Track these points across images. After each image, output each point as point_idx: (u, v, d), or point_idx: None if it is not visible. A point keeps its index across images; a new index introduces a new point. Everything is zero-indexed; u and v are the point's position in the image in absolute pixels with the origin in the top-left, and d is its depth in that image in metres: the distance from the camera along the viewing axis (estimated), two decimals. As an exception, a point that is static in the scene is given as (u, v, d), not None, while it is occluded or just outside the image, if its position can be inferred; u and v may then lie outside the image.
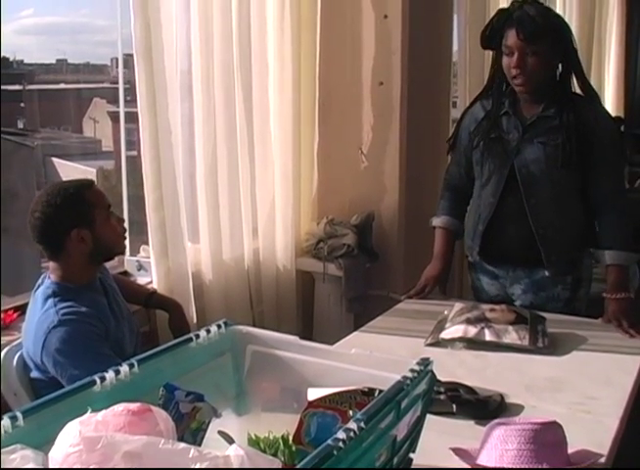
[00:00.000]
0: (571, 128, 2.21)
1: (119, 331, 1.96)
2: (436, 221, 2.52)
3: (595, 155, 2.23)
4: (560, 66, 2.27)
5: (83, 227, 1.87)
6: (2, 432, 0.95)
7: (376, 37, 3.10)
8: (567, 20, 4.47)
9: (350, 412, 1.10)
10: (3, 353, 1.96)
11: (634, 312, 2.21)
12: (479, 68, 3.73)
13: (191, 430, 1.13)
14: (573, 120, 2.21)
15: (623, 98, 6.20)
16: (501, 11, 2.30)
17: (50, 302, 1.86)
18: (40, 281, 1.95)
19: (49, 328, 1.81)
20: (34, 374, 1.90)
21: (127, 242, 2.09)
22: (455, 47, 3.72)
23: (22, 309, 2.16)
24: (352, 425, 0.94)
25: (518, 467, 1.31)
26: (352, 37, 3.14)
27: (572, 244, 2.33)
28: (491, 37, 2.27)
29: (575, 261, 2.35)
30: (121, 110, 2.60)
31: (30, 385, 1.92)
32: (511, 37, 2.19)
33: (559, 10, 4.82)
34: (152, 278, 2.48)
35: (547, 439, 1.34)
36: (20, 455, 0.90)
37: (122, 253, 2.11)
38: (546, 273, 2.32)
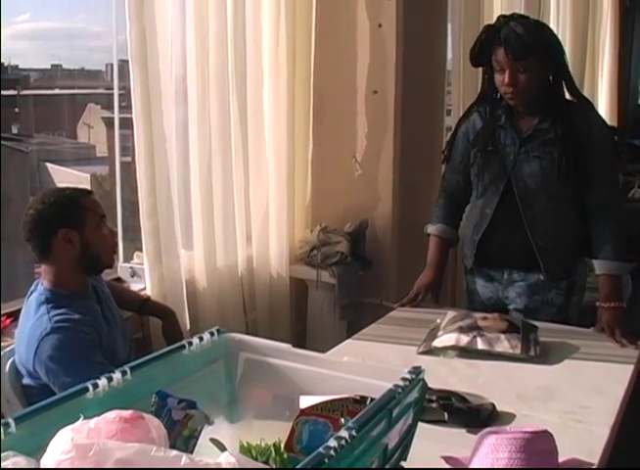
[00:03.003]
0: (567, 141, 2.22)
1: (112, 338, 1.96)
2: (431, 229, 2.53)
3: (590, 163, 2.25)
4: (552, 78, 2.28)
5: (72, 228, 1.86)
6: (-4, 438, 0.95)
7: (370, 46, 3.12)
8: (560, 31, 4.52)
9: (342, 420, 1.11)
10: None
11: (627, 322, 2.22)
12: (473, 76, 3.74)
13: (183, 437, 1.13)
14: (568, 132, 2.22)
15: (617, 108, 6.22)
16: (487, 28, 2.30)
17: (43, 308, 1.85)
18: (33, 287, 1.95)
19: (42, 335, 1.80)
20: (26, 381, 1.89)
21: (119, 254, 2.07)
22: (449, 56, 3.73)
23: (14, 315, 2.15)
24: (344, 433, 0.94)
25: (509, 476, 1.31)
26: (347, 46, 3.15)
27: (570, 253, 2.35)
28: (480, 55, 2.29)
29: (571, 268, 2.37)
30: (116, 115, 2.59)
31: (23, 392, 1.92)
32: (500, 55, 2.21)
33: (552, 22, 4.85)
34: (145, 285, 2.48)
35: (538, 447, 1.34)
36: (12, 462, 0.90)
37: (111, 266, 2.09)
38: (541, 277, 2.33)
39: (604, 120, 2.42)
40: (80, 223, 1.88)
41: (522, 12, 4.05)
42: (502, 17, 2.28)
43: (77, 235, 1.87)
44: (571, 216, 2.33)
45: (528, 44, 2.17)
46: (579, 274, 2.39)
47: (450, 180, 2.53)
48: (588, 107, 2.38)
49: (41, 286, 1.91)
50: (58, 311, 1.84)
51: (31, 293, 1.94)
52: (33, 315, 1.86)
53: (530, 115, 2.30)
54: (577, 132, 2.23)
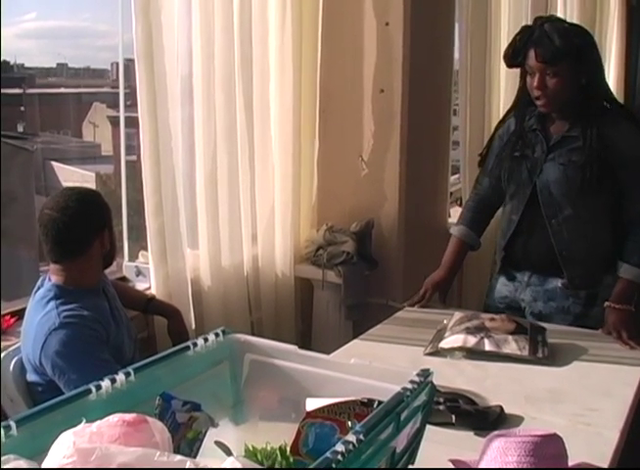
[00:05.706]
0: (594, 151, 2.18)
1: (119, 337, 1.96)
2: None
3: (623, 177, 2.21)
4: (585, 82, 2.21)
5: (107, 229, 1.96)
6: (-3, 441, 0.94)
7: (377, 45, 3.10)
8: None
9: (349, 423, 1.09)
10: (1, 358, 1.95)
11: (633, 325, 2.20)
12: (480, 76, 3.73)
13: (187, 440, 1.11)
14: (597, 142, 2.18)
15: (624, 103, 6.19)
16: (524, 29, 2.28)
17: (52, 304, 1.85)
18: (40, 283, 1.95)
19: (49, 330, 1.80)
20: (32, 377, 1.89)
21: (125, 253, 2.12)
22: (456, 55, 3.71)
23: (19, 314, 2.14)
24: (351, 437, 0.93)
25: (518, 480, 1.29)
26: (354, 44, 3.14)
27: (598, 265, 2.29)
28: (514, 56, 2.26)
29: (596, 280, 2.30)
30: (121, 114, 2.59)
31: (27, 389, 1.91)
32: (531, 58, 2.19)
33: (559, 15, 4.82)
34: (150, 284, 2.47)
35: (547, 451, 1.32)
36: (12, 466, 0.89)
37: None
38: (559, 284, 2.30)
39: (637, 130, 2.29)
40: (109, 224, 1.98)
41: (528, 9, 4.03)
42: (539, 18, 2.25)
43: (109, 235, 1.97)
44: (600, 229, 2.29)
45: (559, 49, 2.14)
46: (604, 286, 2.29)
47: (483, 183, 2.52)
48: (623, 115, 2.29)
49: (48, 282, 1.91)
50: (67, 307, 1.85)
51: (38, 289, 1.94)
52: (41, 311, 1.86)
53: (562, 119, 2.27)
54: (607, 144, 2.18)
